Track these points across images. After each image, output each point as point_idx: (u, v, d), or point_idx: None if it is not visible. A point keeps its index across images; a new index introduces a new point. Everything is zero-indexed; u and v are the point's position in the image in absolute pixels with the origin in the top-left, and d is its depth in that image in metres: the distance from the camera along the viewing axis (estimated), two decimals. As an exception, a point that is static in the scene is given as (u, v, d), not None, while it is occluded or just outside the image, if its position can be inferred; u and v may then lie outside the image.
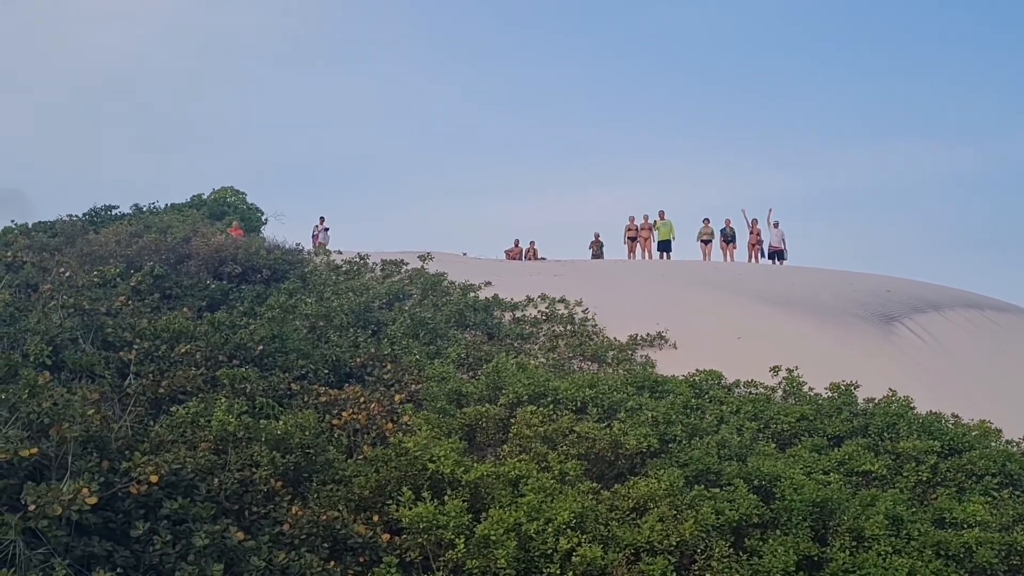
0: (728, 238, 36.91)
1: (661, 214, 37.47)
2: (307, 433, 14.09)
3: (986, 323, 26.75)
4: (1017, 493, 15.29)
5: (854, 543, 13.19)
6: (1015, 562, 13.48)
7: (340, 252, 30.75)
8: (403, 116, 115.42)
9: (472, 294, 25.13)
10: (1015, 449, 16.87)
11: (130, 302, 19.93)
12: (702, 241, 36.98)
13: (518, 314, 23.96)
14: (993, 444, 16.83)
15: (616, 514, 13.21)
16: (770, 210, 36.51)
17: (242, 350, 17.84)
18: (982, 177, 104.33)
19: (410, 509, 12.65)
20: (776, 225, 36.05)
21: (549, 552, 12.19)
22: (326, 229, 38.24)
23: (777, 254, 35.82)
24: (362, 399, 16.58)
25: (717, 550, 12.54)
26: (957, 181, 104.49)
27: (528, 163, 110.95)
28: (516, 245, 39.44)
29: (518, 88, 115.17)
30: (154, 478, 11.90)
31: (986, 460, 15.79)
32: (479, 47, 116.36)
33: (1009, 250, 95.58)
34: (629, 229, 37.61)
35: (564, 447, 14.80)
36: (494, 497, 13.24)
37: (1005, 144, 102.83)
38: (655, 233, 37.18)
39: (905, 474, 15.56)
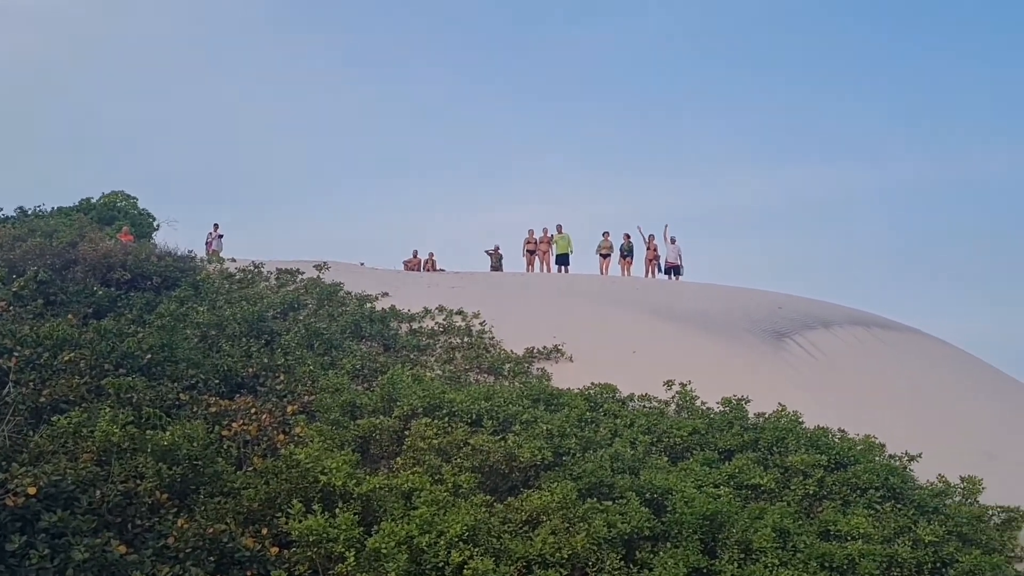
0: (625, 253, 37.17)
1: (559, 228, 37.61)
2: (195, 444, 13.79)
3: (872, 340, 27.37)
4: (899, 506, 15.66)
5: (742, 555, 13.38)
6: (895, 573, 13.82)
7: (234, 260, 30.20)
8: (303, 124, 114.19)
9: (368, 305, 24.90)
10: (898, 463, 17.27)
11: (11, 308, 19.36)
12: (601, 255, 37.15)
13: (415, 325, 23.82)
14: (877, 458, 17.20)
15: (509, 527, 13.20)
16: (666, 226, 36.91)
17: (129, 359, 17.41)
18: (872, 197, 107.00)
19: (300, 522, 12.48)
20: (673, 241, 36.42)
21: (441, 565, 12.12)
22: (220, 236, 37.52)
23: (674, 269, 36.17)
24: (253, 410, 16.31)
25: (608, 563, 12.61)
26: (848, 201, 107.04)
27: (429, 175, 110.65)
28: (415, 256, 39.25)
29: (422, 100, 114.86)
30: (32, 490, 11.58)
31: (870, 474, 16.14)
32: (379, 58, 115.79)
33: (894, 268, 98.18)
34: (528, 242, 37.68)
35: (458, 460, 14.75)
36: (386, 510, 13.14)
37: (895, 165, 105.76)
38: (553, 246, 37.31)
39: (793, 487, 15.82)
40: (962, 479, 17.21)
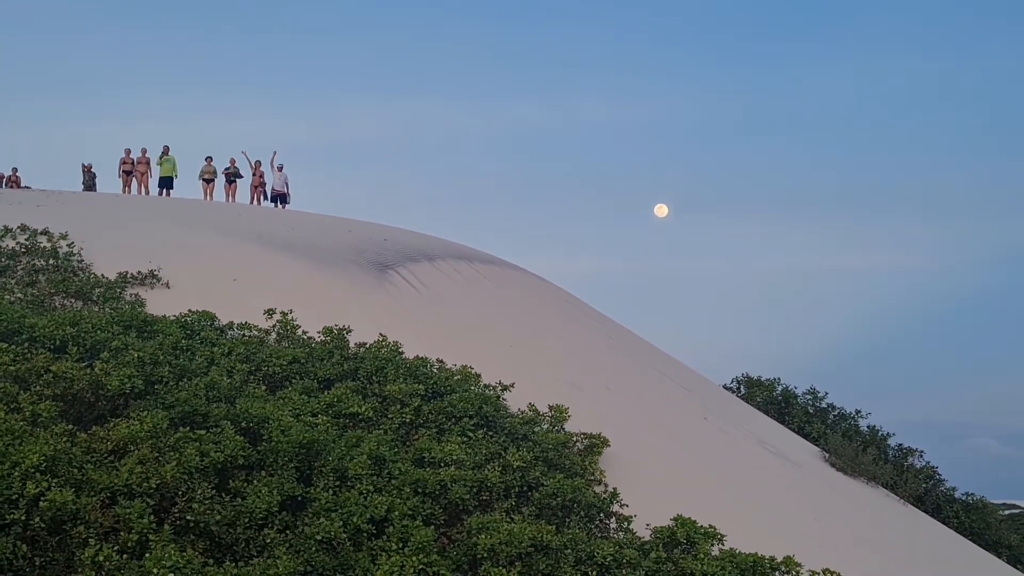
0: (231, 178, 36.20)
1: (166, 149, 35.93)
2: None
3: (474, 274, 28.19)
4: (491, 433, 16.26)
5: (338, 483, 13.41)
6: (485, 497, 14.37)
7: None
8: None
9: (-61, 221, 22.70)
10: (492, 393, 17.89)
11: None
12: (204, 180, 35.98)
13: (-7, 245, 21.94)
14: (473, 388, 17.73)
15: (93, 457, 12.49)
16: (274, 153, 36.20)
17: None
18: (475, 138, 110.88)
19: None
20: (280, 168, 35.88)
21: (15, 497, 11.26)
22: None
23: (280, 197, 35.67)
24: None
25: (200, 492, 12.21)
26: (451, 140, 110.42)
27: (21, 88, 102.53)
28: (-6, 170, 36.13)
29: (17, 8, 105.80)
30: None
31: (465, 403, 16.61)
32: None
33: (496, 207, 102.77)
34: (125, 162, 35.74)
35: (38, 387, 13.85)
36: (-48, 442, 12.02)
37: (498, 108, 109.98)
38: (157, 169, 35.63)
39: (390, 416, 16.02)
40: (550, 407, 18.13)
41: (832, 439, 26.48)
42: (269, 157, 36.10)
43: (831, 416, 30.24)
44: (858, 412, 30.29)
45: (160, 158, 35.79)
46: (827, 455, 25.40)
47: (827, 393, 31.06)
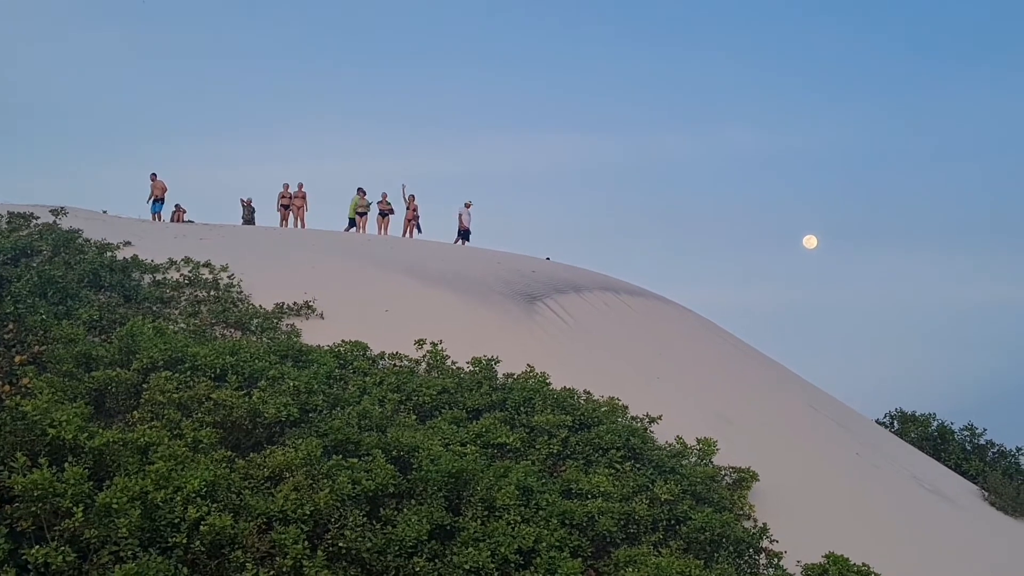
0: (384, 212, 37.02)
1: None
2: (-93, 393, 12.74)
3: (621, 306, 28.11)
4: (638, 466, 16.17)
5: (486, 512, 13.50)
6: (632, 530, 14.27)
7: (-40, 202, 28.13)
8: (46, 62, 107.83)
9: (109, 253, 23.68)
10: (639, 425, 17.81)
11: None
12: (357, 213, 36.85)
13: (159, 276, 22.81)
14: (620, 420, 17.69)
15: (250, 483, 12.85)
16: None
17: None
18: (623, 169, 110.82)
19: (24, 476, 11.71)
20: (468, 206, 36.83)
21: (177, 521, 11.67)
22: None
23: (464, 233, 36.62)
24: (-25, 359, 15.24)
25: (351, 519, 12.45)
26: (600, 172, 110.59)
27: (182, 125, 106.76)
28: (153, 177, 37.35)
29: (181, 46, 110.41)
30: None
31: (612, 435, 16.58)
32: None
33: (643, 237, 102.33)
34: (283, 196, 36.85)
35: (200, 414, 14.30)
36: (121, 465, 12.53)
37: (645, 139, 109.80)
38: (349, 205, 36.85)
39: (538, 447, 16.07)
40: (698, 441, 17.94)
41: (992, 477, 25.49)
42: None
43: (990, 453, 29.08)
44: (1019, 450, 29.09)
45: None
46: (987, 494, 24.45)
47: (985, 430, 29.88)
